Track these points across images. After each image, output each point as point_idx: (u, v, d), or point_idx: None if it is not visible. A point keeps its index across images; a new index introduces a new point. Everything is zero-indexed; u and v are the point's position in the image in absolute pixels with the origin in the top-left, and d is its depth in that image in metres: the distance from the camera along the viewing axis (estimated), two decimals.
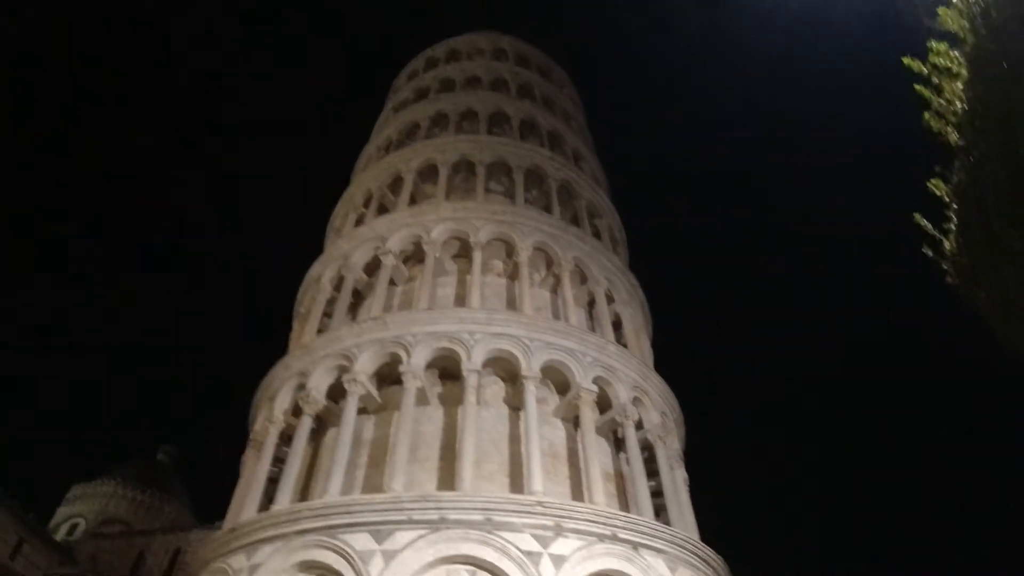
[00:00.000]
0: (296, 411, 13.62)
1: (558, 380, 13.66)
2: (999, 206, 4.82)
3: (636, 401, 13.99)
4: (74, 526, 43.79)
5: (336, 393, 13.48)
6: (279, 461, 13.29)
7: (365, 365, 13.06)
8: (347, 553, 9.52)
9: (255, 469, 12.85)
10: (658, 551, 10.73)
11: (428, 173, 20.26)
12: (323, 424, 13.96)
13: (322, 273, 17.59)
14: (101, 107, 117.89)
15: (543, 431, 12.60)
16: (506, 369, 13.50)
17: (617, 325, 17.05)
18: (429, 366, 13.28)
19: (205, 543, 12.03)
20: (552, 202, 19.58)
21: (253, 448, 13.93)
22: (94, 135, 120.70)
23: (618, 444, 14.35)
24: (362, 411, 13.26)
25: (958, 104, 5.50)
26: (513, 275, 16.46)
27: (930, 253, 6.14)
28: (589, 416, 12.86)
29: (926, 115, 5.93)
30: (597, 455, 12.51)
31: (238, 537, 10.76)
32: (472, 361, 12.64)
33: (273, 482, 12.67)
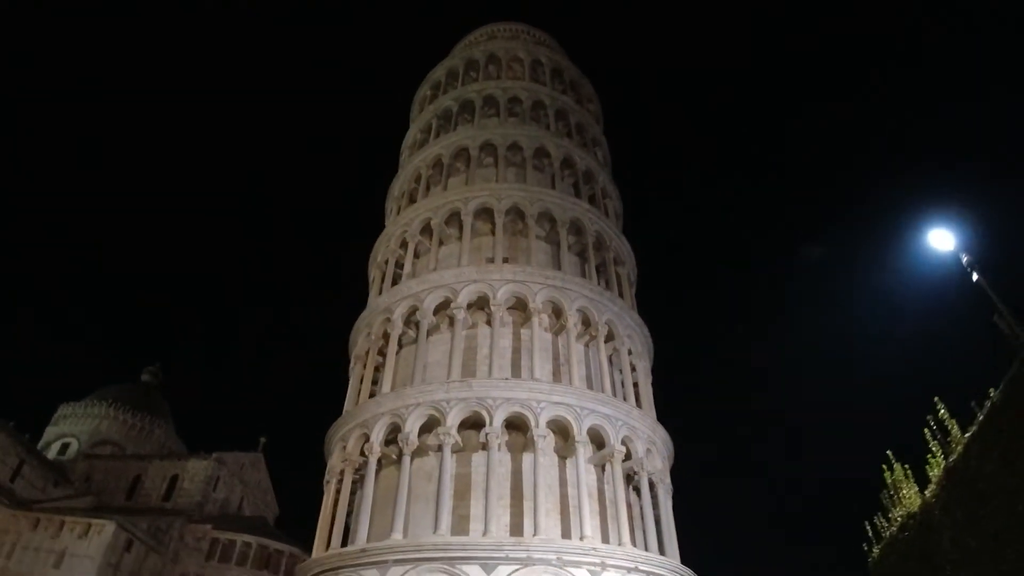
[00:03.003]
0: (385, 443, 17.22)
1: (594, 436, 17.84)
2: None
3: (648, 452, 18.50)
4: (65, 445, 45.69)
5: (424, 433, 17.11)
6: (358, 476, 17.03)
7: (455, 419, 16.68)
8: None
9: (366, 491, 16.52)
10: None
11: (483, 214, 22.86)
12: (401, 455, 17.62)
13: (392, 308, 20.46)
14: None
15: (582, 475, 16.93)
16: (559, 425, 17.49)
17: (633, 367, 21.29)
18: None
19: (332, 557, 15.76)
20: (588, 252, 23.01)
21: (348, 473, 17.50)
22: None
23: (628, 479, 18.99)
24: (442, 448, 17.03)
25: None
26: (558, 331, 20.14)
27: None
28: (619, 469, 17.30)
29: None
30: (622, 495, 17.08)
31: (369, 555, 14.67)
32: (540, 427, 16.55)
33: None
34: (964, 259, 7.96)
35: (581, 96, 32.22)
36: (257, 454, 46.74)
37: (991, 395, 6.83)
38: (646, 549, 16.48)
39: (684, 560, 17.12)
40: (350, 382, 21.43)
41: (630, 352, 21.30)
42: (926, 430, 8.52)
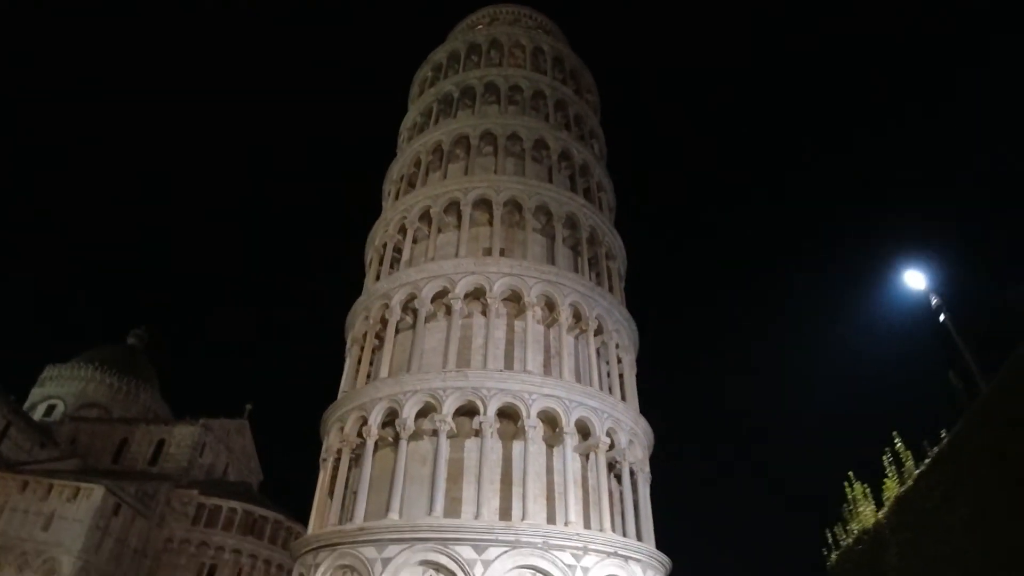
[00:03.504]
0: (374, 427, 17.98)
1: (581, 427, 18.82)
2: None
3: (630, 443, 19.59)
4: (51, 407, 45.69)
5: (420, 418, 17.90)
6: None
7: (451, 407, 17.48)
8: (458, 559, 14.70)
9: (363, 471, 17.34)
10: (638, 560, 16.84)
11: (481, 204, 23.30)
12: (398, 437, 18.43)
13: (391, 294, 21.00)
14: None
15: (569, 464, 17.95)
16: (548, 416, 18.40)
17: (619, 359, 22.25)
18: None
19: (330, 533, 16.63)
20: (582, 246, 23.65)
21: (346, 453, 18.28)
22: None
23: (610, 467, 20.11)
24: (436, 433, 17.86)
25: None
26: (551, 324, 20.92)
27: None
28: (603, 458, 18.33)
29: None
30: (604, 482, 18.17)
31: (367, 534, 15.57)
32: (531, 418, 17.44)
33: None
34: (934, 301, 8.82)
35: (580, 86, 32.39)
36: (243, 421, 47.38)
37: (942, 437, 7.83)
38: (624, 535, 17.70)
39: (658, 545, 18.39)
40: (347, 363, 22.06)
41: (617, 346, 22.19)
42: (884, 458, 9.64)
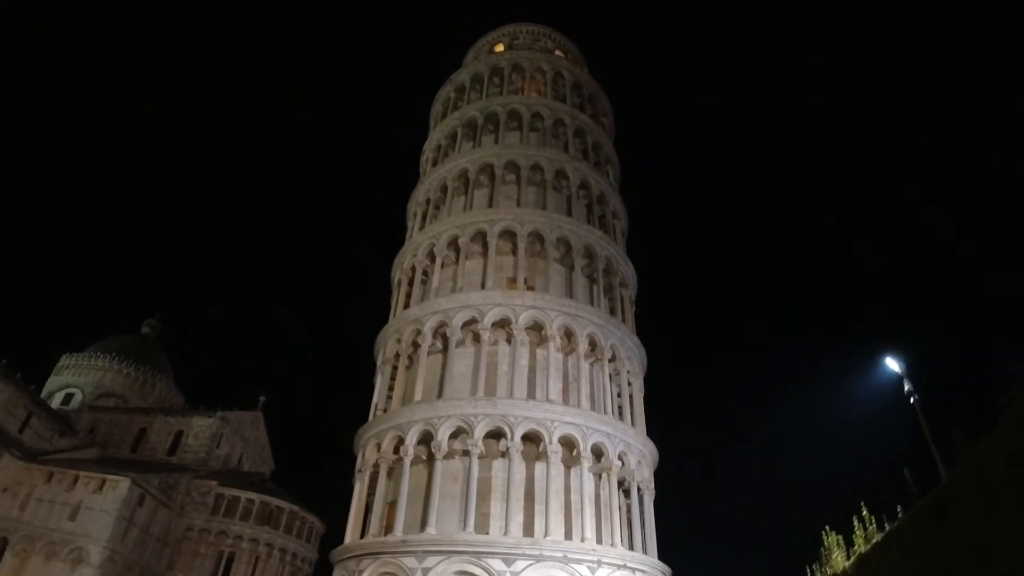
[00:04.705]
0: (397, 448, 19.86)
1: (596, 450, 20.80)
2: None
3: (638, 464, 21.63)
4: (69, 396, 47.07)
5: (451, 439, 19.79)
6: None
7: (481, 432, 19.37)
8: (490, 570, 16.71)
9: (402, 487, 19.23)
10: (644, 572, 18.98)
11: (505, 235, 24.98)
12: (432, 456, 20.32)
13: (423, 320, 22.74)
14: None
15: (585, 484, 19.97)
16: (567, 441, 20.34)
17: (630, 383, 24.23)
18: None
19: (373, 543, 18.54)
20: (598, 275, 25.49)
21: (384, 467, 20.15)
22: None
23: (619, 483, 22.17)
24: (466, 453, 19.77)
25: None
26: (569, 352, 22.81)
27: None
28: (614, 479, 20.37)
29: None
30: (616, 500, 20.24)
31: (409, 546, 17.52)
32: (553, 443, 19.38)
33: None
34: (906, 387, 10.76)
35: (597, 110, 33.90)
36: (256, 412, 49.11)
37: (898, 514, 10.01)
38: (631, 547, 19.81)
39: (661, 557, 20.54)
40: (378, 380, 23.89)
41: (629, 371, 24.13)
42: (855, 518, 12.09)
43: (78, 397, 46.88)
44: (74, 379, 47.88)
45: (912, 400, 10.54)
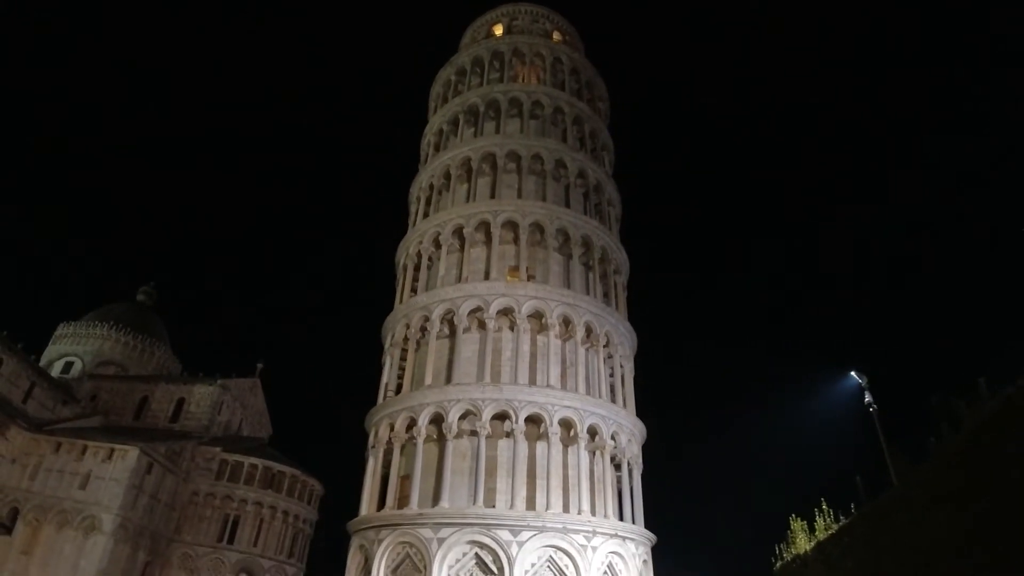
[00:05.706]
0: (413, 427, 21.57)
1: (591, 430, 22.73)
2: None
3: (628, 442, 23.70)
4: (69, 364, 47.50)
5: (460, 419, 21.50)
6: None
7: (488, 414, 21.08)
8: (499, 539, 18.72)
9: (416, 463, 20.97)
10: (633, 540, 21.28)
11: (508, 225, 26.12)
12: (442, 436, 22.02)
13: (431, 307, 24.07)
14: None
15: (581, 461, 21.98)
16: (565, 422, 22.20)
17: (622, 365, 26.10)
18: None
19: (391, 515, 20.35)
20: (594, 263, 26.91)
21: (396, 446, 21.83)
22: None
23: (611, 459, 24.29)
24: (474, 433, 21.53)
25: None
26: (567, 339, 24.46)
27: None
28: (607, 456, 22.43)
29: None
30: (609, 475, 22.36)
31: (424, 518, 19.39)
32: (553, 425, 21.22)
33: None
34: (867, 399, 12.58)
35: (594, 95, 34.54)
36: (255, 380, 50.41)
37: (851, 511, 12.11)
38: (621, 518, 22.03)
39: (647, 525, 22.88)
40: (387, 364, 25.33)
41: (621, 355, 25.96)
42: (816, 510, 14.31)
43: (78, 366, 47.43)
44: (73, 348, 48.25)
45: (871, 410, 12.35)
